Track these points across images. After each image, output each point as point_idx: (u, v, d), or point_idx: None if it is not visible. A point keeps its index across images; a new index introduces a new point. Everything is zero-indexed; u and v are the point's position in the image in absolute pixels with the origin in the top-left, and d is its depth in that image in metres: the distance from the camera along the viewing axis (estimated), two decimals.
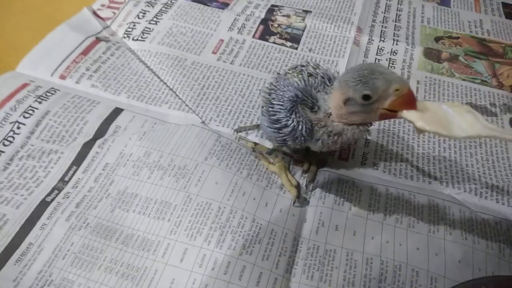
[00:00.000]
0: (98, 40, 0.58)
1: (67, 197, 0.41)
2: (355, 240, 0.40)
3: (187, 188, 0.42)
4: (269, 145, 0.47)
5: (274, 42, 0.60)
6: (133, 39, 0.59)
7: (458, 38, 0.63)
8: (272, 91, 0.38)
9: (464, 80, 0.57)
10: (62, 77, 0.53)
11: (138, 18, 0.63)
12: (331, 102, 0.35)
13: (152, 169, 0.43)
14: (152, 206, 0.41)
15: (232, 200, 0.41)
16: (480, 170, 0.46)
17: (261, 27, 0.63)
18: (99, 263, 0.37)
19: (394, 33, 0.63)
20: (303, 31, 0.63)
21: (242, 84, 0.55)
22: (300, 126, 0.36)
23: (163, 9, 0.65)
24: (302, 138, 0.37)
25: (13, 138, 0.45)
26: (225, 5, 0.67)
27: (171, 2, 0.66)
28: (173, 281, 0.36)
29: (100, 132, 0.47)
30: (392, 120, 0.49)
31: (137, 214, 0.40)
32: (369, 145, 0.48)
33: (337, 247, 0.39)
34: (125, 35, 0.60)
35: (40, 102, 0.49)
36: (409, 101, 0.32)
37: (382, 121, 0.50)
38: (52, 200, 0.41)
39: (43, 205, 0.41)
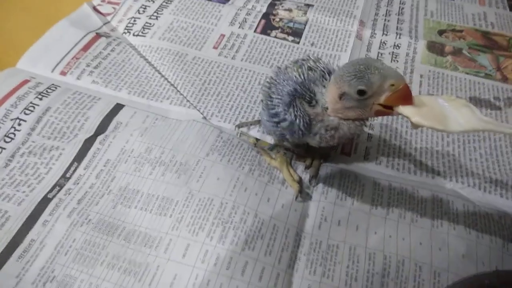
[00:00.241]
0: (98, 35, 0.58)
1: (69, 194, 0.41)
2: (358, 235, 0.39)
3: (189, 184, 0.41)
4: (270, 140, 0.47)
5: (275, 37, 0.60)
6: (133, 35, 0.59)
7: (461, 31, 0.62)
8: (272, 85, 0.38)
9: (467, 73, 0.56)
10: (63, 73, 0.53)
11: (139, 13, 0.62)
12: (327, 96, 0.35)
13: (153, 165, 0.43)
14: (154, 202, 0.40)
15: (234, 195, 0.41)
16: (484, 165, 0.46)
17: (263, 21, 0.62)
18: (101, 259, 0.37)
19: (397, 26, 0.63)
20: (305, 25, 0.62)
21: (243, 79, 0.54)
22: (298, 120, 0.36)
23: (164, 4, 0.64)
24: (300, 132, 0.37)
25: (14, 134, 0.45)
26: (226, 0, 0.66)
27: None
28: (176, 276, 0.36)
29: (101, 128, 0.47)
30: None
31: (139, 210, 0.40)
32: (371, 140, 0.48)
33: (339, 242, 0.39)
34: (126, 31, 0.60)
35: (40, 99, 0.49)
36: (405, 97, 0.31)
37: (385, 116, 0.49)
38: (54, 196, 0.41)
39: (45, 201, 0.41)
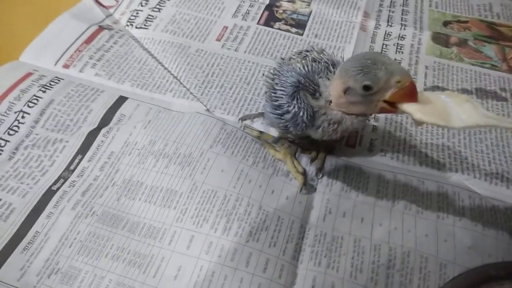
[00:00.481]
0: (101, 28, 0.57)
1: (73, 186, 0.41)
2: (363, 226, 0.39)
3: (193, 176, 0.41)
4: (274, 133, 0.46)
5: (279, 29, 0.60)
6: (136, 27, 0.59)
7: (467, 22, 0.62)
8: (275, 76, 0.38)
9: (473, 65, 0.55)
10: (66, 66, 0.53)
11: (141, 5, 0.62)
12: (332, 90, 0.34)
13: (157, 157, 0.43)
14: (158, 194, 0.40)
15: (238, 187, 0.41)
16: (490, 156, 0.45)
17: (266, 13, 0.62)
18: (105, 251, 0.37)
19: (401, 17, 0.62)
20: (309, 16, 0.61)
21: (247, 71, 0.54)
22: (301, 112, 0.36)
23: None
24: (304, 124, 0.36)
25: (18, 127, 0.45)
26: None
27: None
28: (180, 268, 0.36)
29: (105, 120, 0.47)
30: None
31: (143, 202, 0.40)
32: (376, 132, 0.48)
33: (344, 233, 0.39)
34: (128, 23, 0.59)
35: (44, 91, 0.48)
36: (411, 94, 0.31)
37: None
38: (58, 189, 0.41)
39: (49, 194, 0.41)
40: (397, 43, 0.58)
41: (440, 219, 0.40)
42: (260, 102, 0.50)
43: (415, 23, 0.61)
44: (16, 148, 0.44)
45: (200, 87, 0.51)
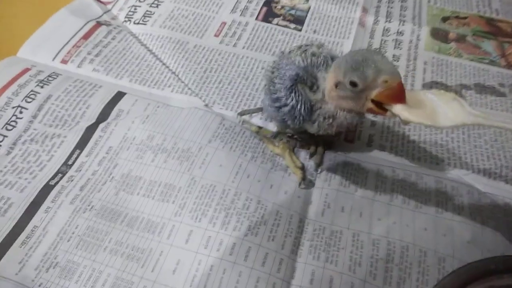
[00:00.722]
0: (99, 24, 0.57)
1: (71, 181, 0.41)
2: (362, 221, 0.39)
3: (191, 171, 0.41)
4: (273, 128, 0.46)
5: (277, 24, 0.59)
6: (134, 23, 0.58)
7: (465, 18, 0.62)
8: (275, 69, 0.38)
9: (472, 60, 0.55)
10: (64, 61, 0.53)
11: (139, 1, 0.62)
12: (327, 83, 0.35)
13: (155, 152, 0.43)
14: (157, 189, 0.40)
15: (236, 182, 0.41)
16: (489, 151, 0.45)
17: (264, 8, 0.62)
18: (104, 245, 0.37)
19: (400, 13, 0.62)
20: (307, 12, 0.61)
21: (245, 67, 0.54)
22: (299, 106, 0.36)
23: None
24: (301, 117, 0.36)
25: (16, 122, 0.45)
26: None
27: None
28: (179, 262, 0.36)
29: (103, 116, 0.47)
30: None
31: (141, 196, 0.40)
32: (375, 127, 0.47)
33: (343, 228, 0.39)
34: (126, 19, 0.59)
35: (42, 87, 0.48)
36: (397, 96, 0.31)
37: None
38: (56, 183, 0.41)
39: (47, 188, 0.40)
40: (396, 39, 0.58)
41: (439, 213, 0.40)
42: (258, 97, 0.50)
43: (414, 19, 0.61)
44: (14, 143, 0.43)
45: (198, 82, 0.51)
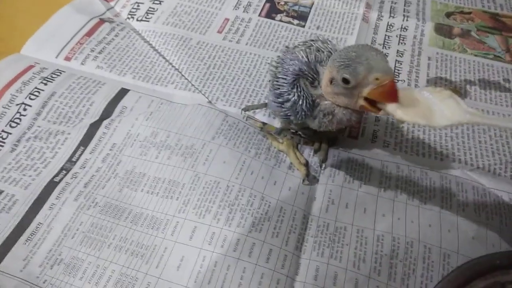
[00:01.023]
0: (102, 21, 0.57)
1: (75, 177, 0.41)
2: (366, 217, 0.39)
3: (195, 167, 0.41)
4: (277, 124, 0.46)
5: (280, 20, 0.59)
6: (137, 20, 0.58)
7: (470, 13, 0.61)
8: (279, 64, 0.38)
9: (476, 55, 0.55)
10: (67, 58, 0.53)
11: None
12: (323, 78, 0.34)
13: (159, 149, 0.43)
14: (160, 185, 0.40)
15: (240, 178, 0.41)
16: (493, 147, 0.45)
17: (267, 5, 0.61)
18: (108, 241, 0.37)
19: (404, 8, 0.61)
20: (311, 8, 0.61)
21: (248, 63, 0.54)
22: (300, 101, 0.36)
23: None
24: (303, 113, 0.36)
25: (20, 119, 0.45)
26: None
27: None
28: (183, 258, 0.36)
29: (107, 112, 0.47)
30: None
31: (145, 193, 0.40)
32: (379, 123, 0.47)
33: (347, 224, 0.39)
34: (129, 16, 0.59)
35: (45, 84, 0.48)
36: (389, 94, 0.30)
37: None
38: (60, 180, 0.41)
39: (52, 185, 0.41)
40: (400, 35, 0.58)
41: (444, 209, 0.39)
42: (262, 94, 0.50)
43: (418, 14, 0.61)
44: (18, 140, 0.44)
45: (201, 79, 0.51)
